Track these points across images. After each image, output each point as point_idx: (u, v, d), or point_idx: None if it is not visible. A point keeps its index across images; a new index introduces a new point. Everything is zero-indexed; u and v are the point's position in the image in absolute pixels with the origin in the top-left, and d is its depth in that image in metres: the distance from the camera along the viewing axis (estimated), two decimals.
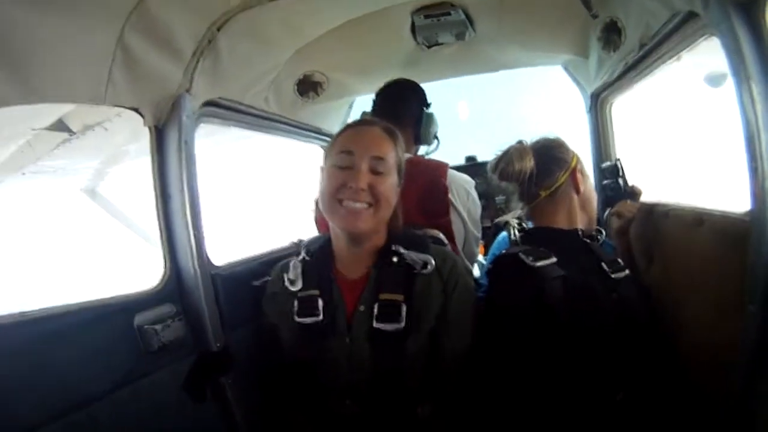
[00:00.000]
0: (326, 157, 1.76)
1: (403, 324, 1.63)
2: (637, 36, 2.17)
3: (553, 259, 1.76)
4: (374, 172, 1.64)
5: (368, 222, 1.64)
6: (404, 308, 1.64)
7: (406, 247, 1.72)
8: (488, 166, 2.01)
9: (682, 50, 1.99)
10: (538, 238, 1.92)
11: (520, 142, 1.97)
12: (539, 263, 1.74)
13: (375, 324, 1.64)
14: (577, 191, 1.93)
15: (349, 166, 1.63)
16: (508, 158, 1.92)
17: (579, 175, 1.93)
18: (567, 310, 1.69)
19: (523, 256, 1.76)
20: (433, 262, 1.69)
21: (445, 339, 1.71)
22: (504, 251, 1.93)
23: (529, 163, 1.90)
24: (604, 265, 1.83)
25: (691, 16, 1.69)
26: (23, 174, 4.57)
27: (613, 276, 1.81)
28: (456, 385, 1.72)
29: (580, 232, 1.91)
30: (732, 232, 1.62)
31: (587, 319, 1.71)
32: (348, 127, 1.79)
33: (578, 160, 1.97)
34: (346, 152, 1.65)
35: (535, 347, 1.70)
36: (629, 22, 2.22)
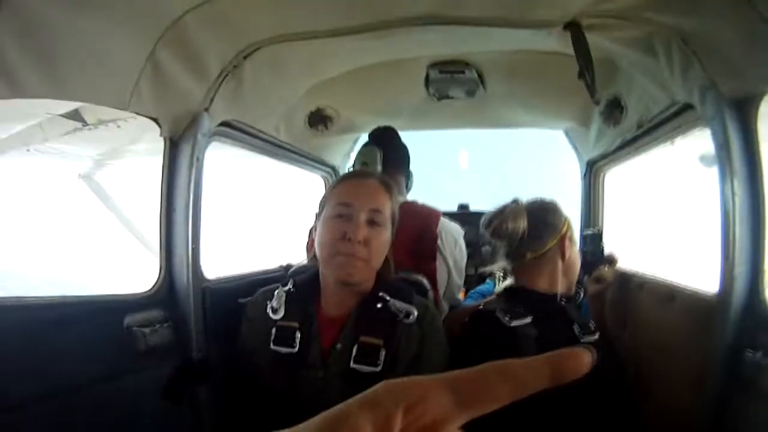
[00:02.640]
0: (323, 206, 1.79)
1: (379, 368, 1.64)
2: (636, 115, 2.26)
3: (528, 320, 1.82)
4: (371, 224, 1.69)
5: (362, 273, 1.70)
6: (383, 353, 1.66)
7: (392, 295, 1.74)
8: (482, 221, 2.05)
9: (676, 136, 2.09)
10: (518, 296, 1.96)
11: (515, 201, 2.01)
12: (514, 323, 1.80)
13: (352, 364, 1.65)
14: (563, 258, 1.97)
15: (348, 218, 1.68)
16: (503, 217, 1.96)
17: (567, 242, 1.97)
18: None
19: (499, 315, 1.83)
20: (416, 312, 1.71)
21: None
22: (482, 307, 1.98)
23: (522, 225, 1.94)
24: (575, 327, 1.88)
25: (688, 107, 1.79)
26: (28, 150, 4.62)
27: (582, 340, 1.84)
28: None
29: (558, 297, 1.94)
30: (700, 310, 1.70)
31: None
32: (345, 179, 1.85)
33: (569, 227, 2.01)
34: (344, 204, 1.70)
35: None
36: (631, 102, 2.32)
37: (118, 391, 1.62)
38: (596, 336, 1.89)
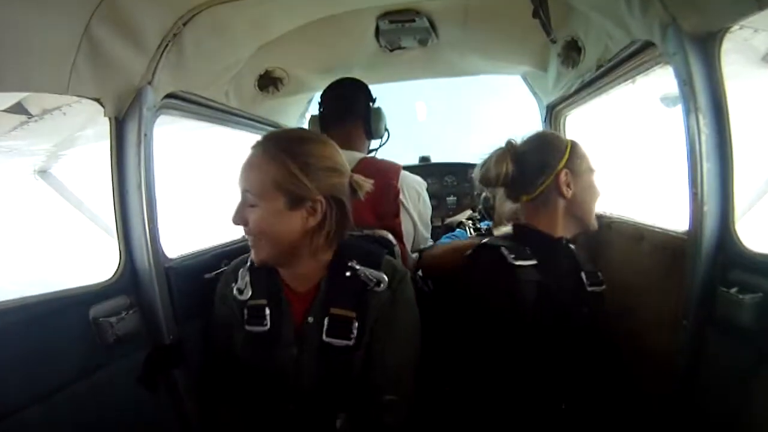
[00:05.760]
0: None
1: (353, 342, 1.62)
2: (595, 56, 2.24)
3: (533, 261, 1.77)
4: (248, 204, 1.59)
5: (262, 253, 1.63)
6: (356, 325, 1.63)
7: (360, 262, 1.68)
8: (473, 173, 2.02)
9: (637, 75, 2.06)
10: (523, 236, 1.90)
11: (508, 143, 1.94)
12: (519, 262, 1.76)
13: (325, 338, 1.63)
14: (563, 195, 1.85)
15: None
16: (487, 164, 1.91)
17: (564, 178, 1.84)
18: (535, 314, 1.72)
19: (505, 252, 1.78)
20: (386, 279, 1.66)
21: (386, 350, 1.67)
22: (486, 241, 1.92)
23: (506, 169, 1.87)
24: (583, 275, 1.85)
25: (648, 44, 1.76)
26: None
27: (589, 289, 1.84)
28: (397, 394, 1.67)
29: (563, 240, 1.90)
30: (670, 249, 1.71)
31: (553, 326, 1.74)
32: None
33: (572, 158, 1.89)
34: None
35: (499, 342, 1.73)
36: (589, 43, 2.30)
37: (93, 388, 1.58)
38: (603, 287, 1.88)
